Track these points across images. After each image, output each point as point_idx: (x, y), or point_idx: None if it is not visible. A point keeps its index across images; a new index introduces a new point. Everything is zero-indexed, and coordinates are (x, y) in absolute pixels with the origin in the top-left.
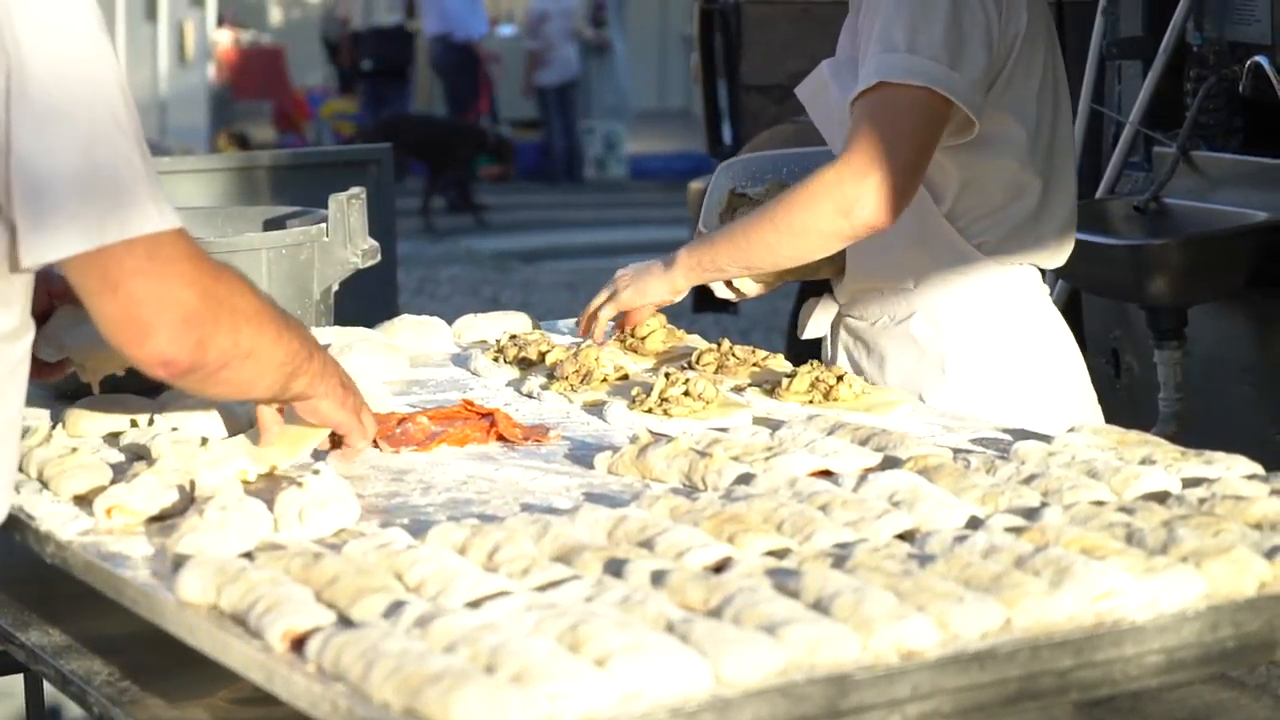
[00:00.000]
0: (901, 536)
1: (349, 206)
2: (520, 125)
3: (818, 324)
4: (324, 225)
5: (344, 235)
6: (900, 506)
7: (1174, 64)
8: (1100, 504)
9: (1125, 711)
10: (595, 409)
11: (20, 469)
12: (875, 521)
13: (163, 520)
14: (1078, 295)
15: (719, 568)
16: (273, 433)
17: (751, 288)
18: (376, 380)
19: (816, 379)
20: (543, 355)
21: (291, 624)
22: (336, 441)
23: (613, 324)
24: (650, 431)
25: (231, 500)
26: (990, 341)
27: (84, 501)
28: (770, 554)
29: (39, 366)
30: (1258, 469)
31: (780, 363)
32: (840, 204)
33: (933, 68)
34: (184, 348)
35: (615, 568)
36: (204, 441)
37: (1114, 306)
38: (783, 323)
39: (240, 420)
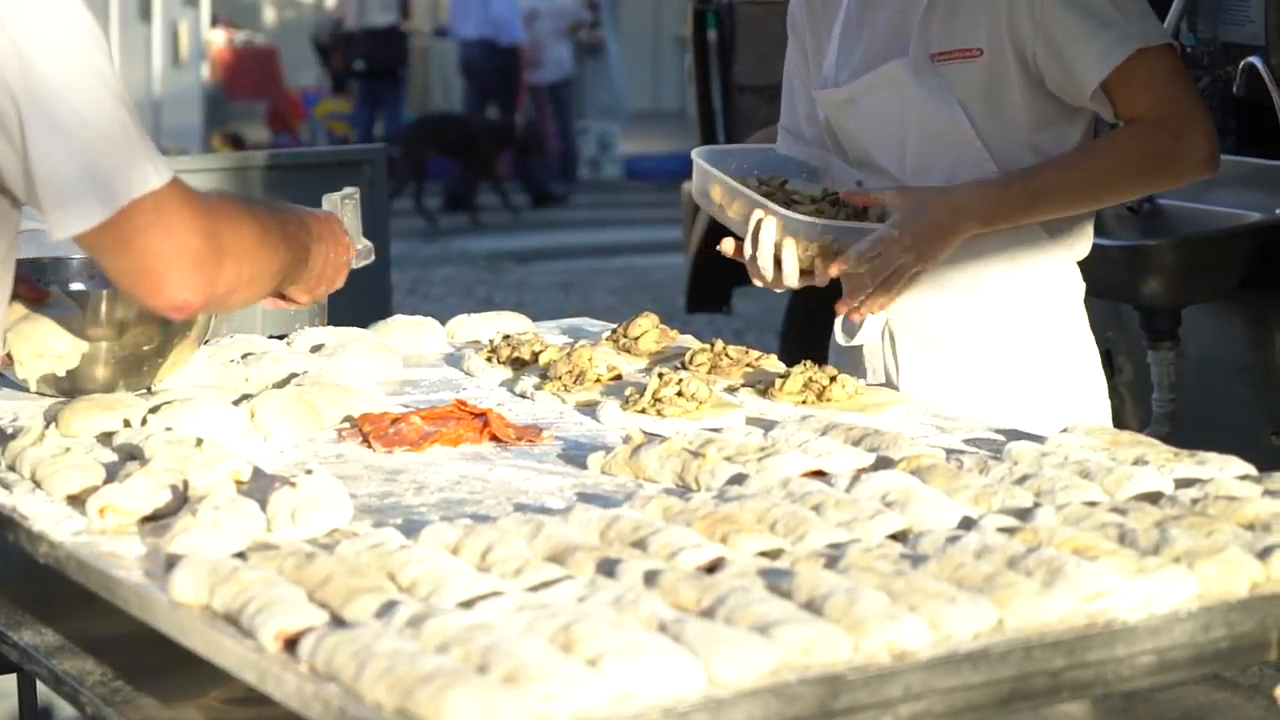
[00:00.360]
0: (894, 537)
1: (342, 207)
2: None
3: (870, 329)
4: None
5: None
6: (893, 507)
7: None
8: (1093, 504)
9: (1118, 712)
10: (588, 409)
11: (13, 469)
12: (868, 522)
13: (156, 520)
14: None
15: (712, 568)
16: None
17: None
18: (370, 380)
19: (810, 379)
20: (536, 355)
21: (284, 624)
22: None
23: (612, 326)
24: (643, 432)
25: (224, 500)
26: (1058, 335)
27: (77, 501)
28: (763, 554)
29: None
30: (1250, 470)
31: (773, 363)
32: (1188, 157)
33: (1158, 27)
34: (196, 290)
35: (608, 568)
36: (198, 442)
37: (1108, 307)
38: (776, 323)
39: None
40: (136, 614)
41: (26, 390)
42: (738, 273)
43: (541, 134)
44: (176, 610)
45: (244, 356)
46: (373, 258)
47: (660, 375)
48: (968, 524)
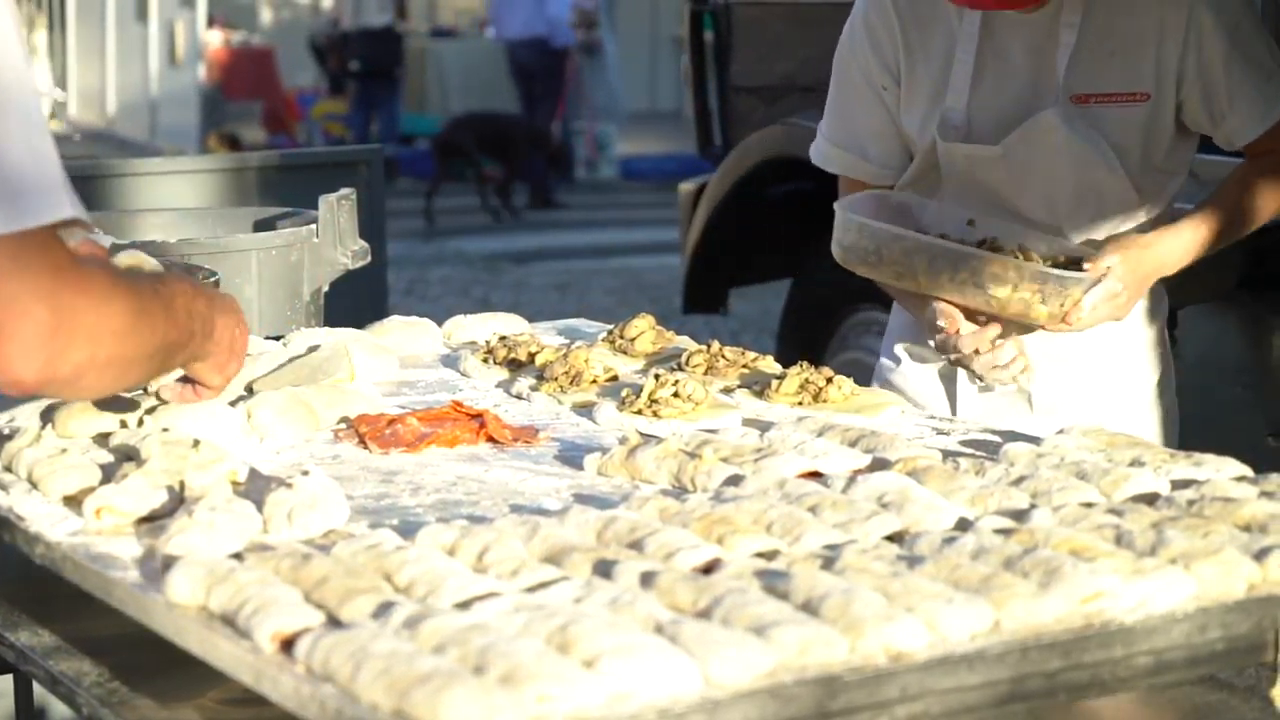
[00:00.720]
0: (890, 538)
1: (339, 207)
2: None
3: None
4: (314, 226)
5: (334, 236)
6: (889, 508)
7: None
8: (1089, 506)
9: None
10: (585, 410)
11: (10, 469)
12: (864, 523)
13: (152, 521)
14: None
15: (708, 569)
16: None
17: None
18: (367, 381)
19: (806, 381)
20: (532, 356)
21: (280, 625)
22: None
23: (609, 328)
24: (640, 433)
25: (221, 501)
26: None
27: (73, 502)
28: (759, 555)
29: None
30: (1247, 471)
31: (770, 364)
32: None
33: None
34: (30, 368)
35: (604, 569)
36: (195, 443)
37: None
38: (773, 324)
39: None
40: (133, 615)
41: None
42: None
43: (567, 148)
44: (173, 611)
45: None
46: (369, 258)
47: (657, 376)
48: (964, 525)
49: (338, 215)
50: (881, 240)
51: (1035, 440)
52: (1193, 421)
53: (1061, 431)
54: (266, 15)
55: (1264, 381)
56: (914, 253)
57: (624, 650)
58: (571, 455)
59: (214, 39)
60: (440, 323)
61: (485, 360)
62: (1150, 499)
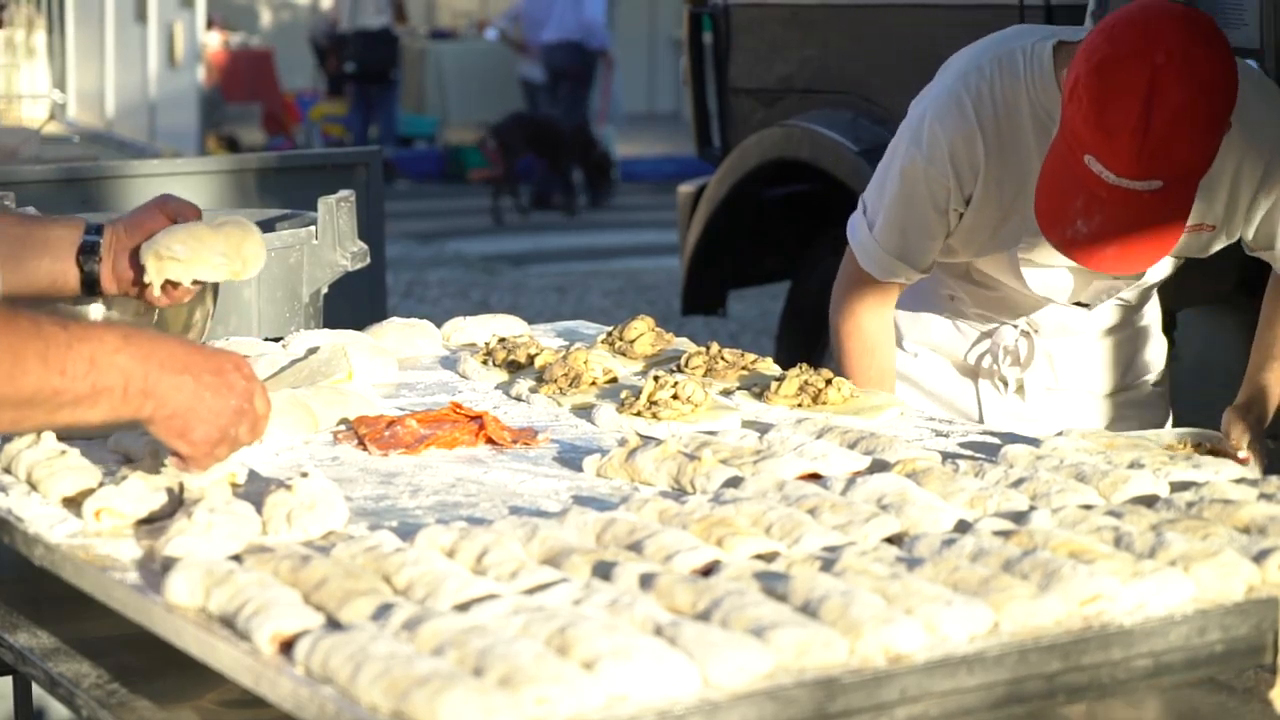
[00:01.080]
0: (889, 540)
1: (338, 209)
2: None
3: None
4: (313, 228)
5: (333, 238)
6: (888, 510)
7: None
8: (1088, 508)
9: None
10: (584, 412)
11: (9, 471)
12: (863, 525)
13: (151, 523)
14: None
15: (707, 571)
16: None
17: None
18: (366, 383)
19: (805, 382)
20: (531, 358)
21: (280, 626)
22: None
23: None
24: (639, 434)
25: (220, 503)
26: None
27: (73, 504)
28: (758, 557)
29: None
30: (1246, 473)
31: (769, 366)
32: None
33: None
34: None
35: (603, 570)
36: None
37: None
38: (772, 326)
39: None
40: (132, 616)
41: None
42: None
43: (608, 156)
44: (172, 613)
45: None
46: (368, 260)
47: (656, 378)
48: (963, 527)
49: (337, 217)
50: None
51: (1034, 442)
52: (1191, 423)
53: (1061, 433)
54: (265, 17)
55: None
56: None
57: (623, 652)
58: (570, 457)
59: (213, 41)
60: (439, 324)
61: (484, 362)
62: (1149, 501)
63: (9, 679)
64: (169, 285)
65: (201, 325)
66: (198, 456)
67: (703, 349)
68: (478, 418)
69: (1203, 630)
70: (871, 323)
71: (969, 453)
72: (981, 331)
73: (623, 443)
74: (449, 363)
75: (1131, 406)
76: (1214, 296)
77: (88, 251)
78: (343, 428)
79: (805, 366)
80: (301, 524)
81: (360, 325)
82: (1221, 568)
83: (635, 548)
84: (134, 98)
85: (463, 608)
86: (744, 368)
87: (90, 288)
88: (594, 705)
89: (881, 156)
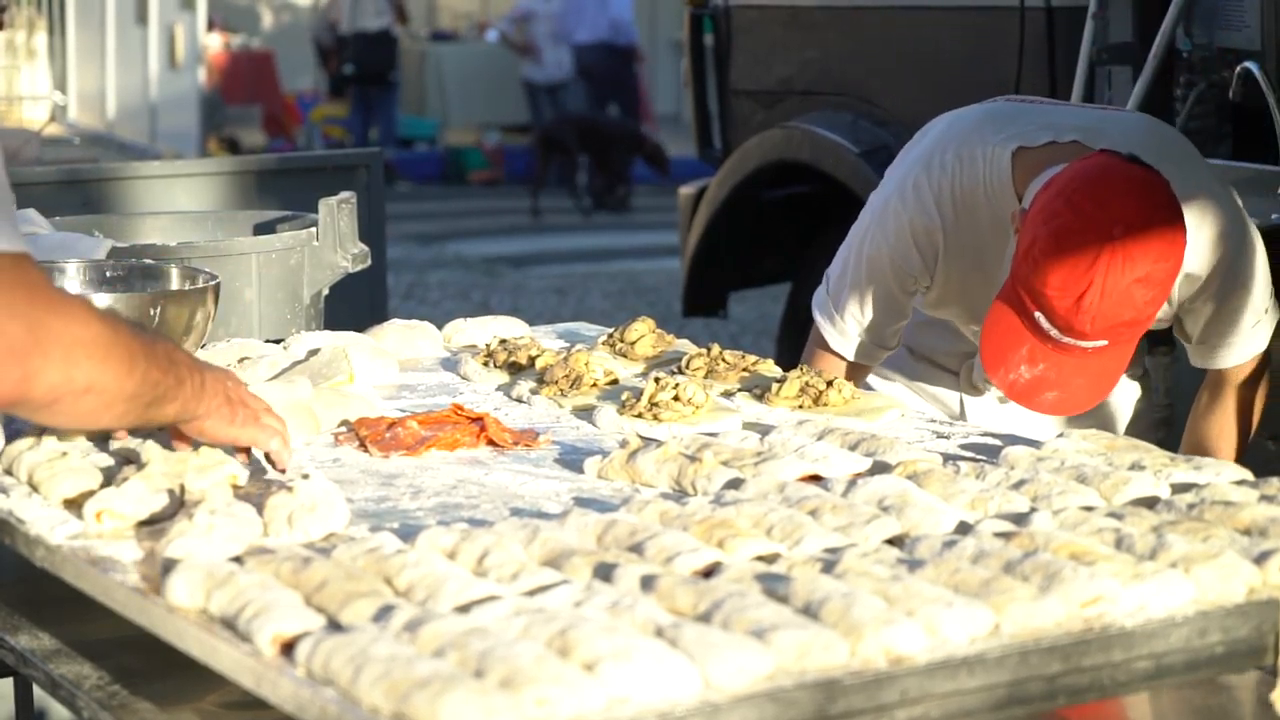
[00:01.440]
0: (890, 541)
1: (339, 211)
2: (510, 130)
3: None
4: (314, 230)
5: (334, 239)
6: (889, 511)
7: (1163, 70)
8: (1089, 509)
9: (1113, 717)
10: (585, 413)
11: (10, 472)
12: (864, 526)
13: (152, 524)
14: None
15: (708, 572)
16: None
17: None
18: (367, 384)
19: (806, 384)
20: (532, 360)
21: (281, 628)
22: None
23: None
24: (640, 436)
25: (221, 505)
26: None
27: (73, 505)
28: (759, 559)
29: None
30: (1246, 475)
31: (770, 368)
32: None
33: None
34: (4, 381)
35: (604, 572)
36: (195, 447)
37: None
38: (773, 328)
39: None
40: (133, 618)
41: None
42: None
43: (662, 149)
44: (173, 614)
45: (240, 360)
46: (369, 262)
47: (657, 380)
48: (964, 529)
49: (337, 218)
50: None
51: (1035, 444)
52: None
53: (1061, 435)
54: (266, 19)
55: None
56: None
57: (623, 654)
58: (571, 458)
59: (213, 42)
60: (440, 326)
61: (485, 363)
62: (1150, 503)
63: (10, 680)
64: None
65: (203, 327)
66: (256, 435)
67: (704, 351)
68: (479, 419)
69: (1203, 632)
70: None
71: (970, 454)
72: (964, 351)
73: (624, 444)
74: (450, 364)
75: (1110, 401)
76: None
77: None
78: (344, 429)
79: (806, 368)
80: (302, 526)
81: (361, 327)
82: (1222, 569)
83: (636, 549)
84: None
85: (464, 609)
86: (745, 369)
87: None
88: (595, 707)
89: (882, 158)
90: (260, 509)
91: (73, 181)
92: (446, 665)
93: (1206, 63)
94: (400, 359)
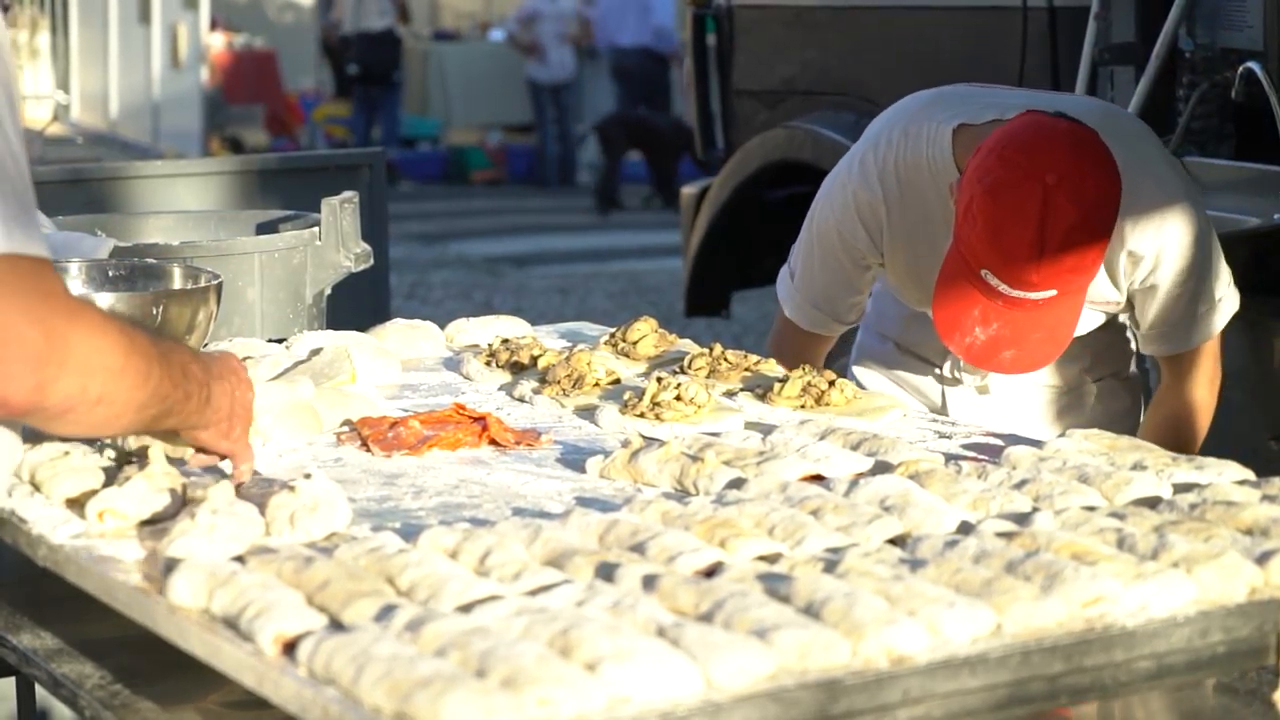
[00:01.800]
0: (892, 541)
1: (341, 210)
2: (513, 130)
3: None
4: (316, 229)
5: (336, 239)
6: (891, 511)
7: (1166, 70)
8: (1091, 509)
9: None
10: (587, 413)
11: (12, 472)
12: (866, 526)
13: (154, 524)
14: None
15: (710, 572)
16: None
17: None
18: (369, 384)
19: (808, 384)
20: (535, 359)
21: (283, 628)
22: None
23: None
24: (642, 436)
25: (223, 504)
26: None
27: (76, 505)
28: (761, 559)
29: None
30: (1248, 474)
31: (772, 367)
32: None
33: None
34: (20, 390)
35: (606, 572)
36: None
37: None
38: None
39: None
40: (135, 617)
41: None
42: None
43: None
44: (175, 614)
45: (243, 360)
46: (371, 261)
47: (659, 380)
48: (966, 529)
49: (340, 218)
50: None
51: (1037, 444)
52: None
53: (1063, 435)
54: (269, 18)
55: (1265, 385)
56: None
57: (625, 654)
58: (573, 458)
59: (216, 42)
60: (442, 326)
61: (487, 363)
62: (1152, 503)
63: (12, 680)
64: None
65: (205, 327)
66: (240, 453)
67: (706, 350)
68: (481, 419)
69: (1205, 632)
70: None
71: (972, 454)
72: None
73: (626, 444)
74: (452, 364)
75: (1098, 398)
76: None
77: None
78: (346, 429)
79: (808, 368)
80: (304, 525)
81: (363, 326)
82: (1224, 569)
83: (638, 549)
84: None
85: (465, 609)
86: (747, 369)
87: None
88: (596, 707)
89: None
90: (262, 509)
91: (75, 181)
92: (448, 665)
93: (1209, 63)
94: (402, 359)
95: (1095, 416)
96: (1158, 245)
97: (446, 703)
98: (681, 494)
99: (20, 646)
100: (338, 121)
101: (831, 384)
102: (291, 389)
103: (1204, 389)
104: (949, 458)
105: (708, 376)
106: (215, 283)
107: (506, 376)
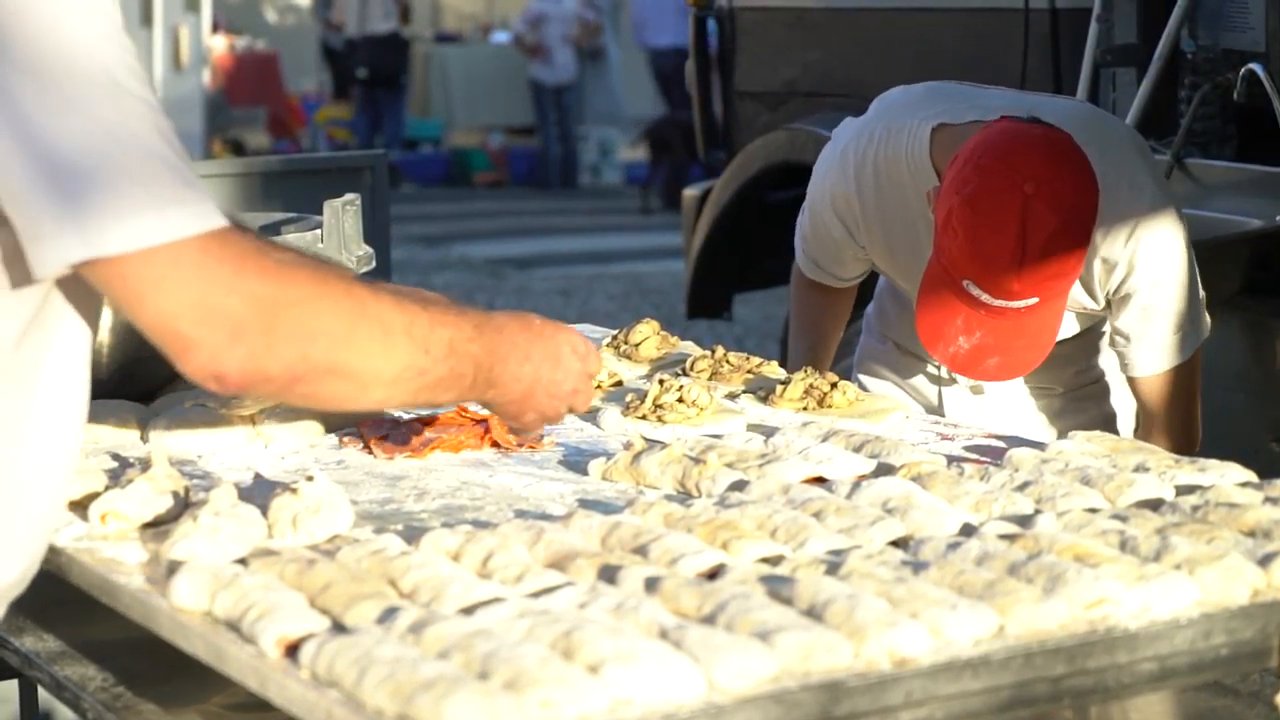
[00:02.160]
0: (895, 543)
1: (343, 213)
2: (514, 132)
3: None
4: (319, 232)
5: (339, 241)
6: (893, 513)
7: (1168, 72)
8: (1094, 511)
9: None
10: (589, 415)
11: None
12: (868, 528)
13: (157, 526)
14: None
15: (712, 574)
16: None
17: None
18: None
19: (811, 386)
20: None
21: (285, 630)
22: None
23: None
24: (644, 438)
25: (225, 506)
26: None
27: (79, 507)
28: (763, 561)
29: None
30: (1251, 476)
31: (774, 369)
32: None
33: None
34: (231, 363)
35: (609, 574)
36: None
37: None
38: (777, 329)
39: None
40: (138, 620)
41: None
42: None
43: None
44: (178, 616)
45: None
46: (373, 264)
47: (661, 382)
48: (968, 530)
49: (342, 220)
50: None
51: (1040, 446)
52: None
53: (1066, 437)
54: (271, 20)
55: (1268, 386)
56: None
57: (628, 656)
58: (576, 460)
59: (218, 44)
60: None
61: None
62: (1155, 505)
63: (15, 683)
64: None
65: None
66: (532, 429)
67: (708, 352)
68: (483, 421)
69: (1208, 634)
70: (810, 302)
71: (974, 456)
72: None
73: (628, 446)
74: None
75: (1092, 400)
76: (1218, 299)
77: None
78: (348, 431)
79: (810, 370)
80: (307, 527)
81: None
82: (1227, 571)
83: (640, 551)
84: None
85: (468, 611)
86: (749, 371)
87: None
88: (599, 709)
89: None
90: (265, 511)
91: None
92: (451, 667)
93: (1211, 64)
94: None
95: (1093, 417)
96: (1131, 251)
97: (449, 705)
98: (684, 496)
99: (23, 649)
100: (339, 124)
101: (834, 386)
102: None
103: (1174, 427)
104: (951, 460)
105: (710, 378)
106: None
107: None
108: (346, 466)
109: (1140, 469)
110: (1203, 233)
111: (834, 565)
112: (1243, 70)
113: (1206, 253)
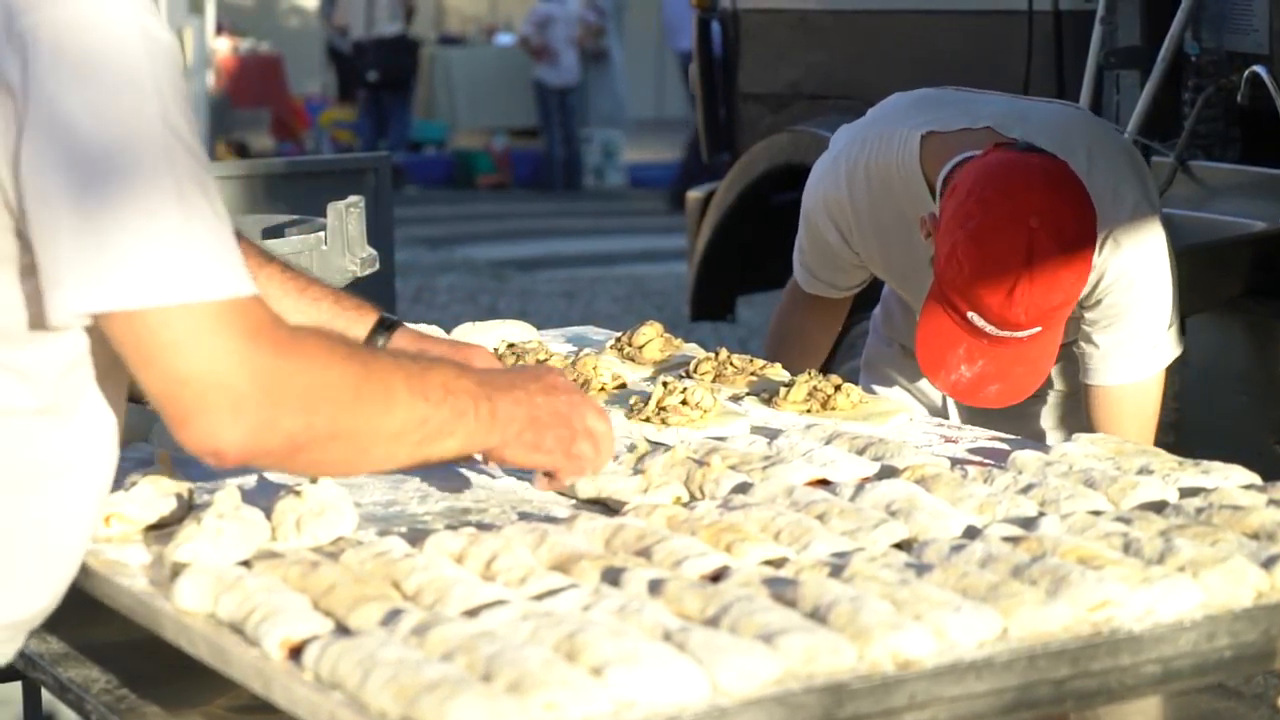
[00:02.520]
0: (898, 546)
1: (347, 215)
2: (518, 134)
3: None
4: (322, 234)
5: (342, 243)
6: (897, 516)
7: (1171, 74)
8: (1097, 514)
9: None
10: None
11: None
12: (872, 531)
13: (161, 529)
14: None
15: (716, 577)
16: None
17: None
18: None
19: (814, 388)
20: (540, 364)
21: (289, 632)
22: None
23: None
24: (648, 440)
25: (229, 509)
26: None
27: None
28: (767, 563)
29: None
30: (1255, 479)
31: (778, 372)
32: None
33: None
34: (230, 439)
35: (612, 577)
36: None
37: None
38: None
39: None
40: (141, 622)
41: None
42: (741, 281)
43: None
44: (181, 618)
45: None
46: (377, 266)
47: (665, 384)
48: (972, 533)
49: (346, 222)
50: None
51: (1043, 448)
52: (1200, 429)
53: (1070, 439)
54: (275, 22)
55: (1271, 389)
56: None
57: (631, 658)
58: None
59: (222, 46)
60: (448, 330)
61: None
62: (1158, 507)
63: (18, 684)
64: None
65: None
66: (561, 463)
67: (712, 354)
68: None
69: (1211, 636)
70: (791, 317)
71: (978, 459)
72: None
73: (632, 448)
74: None
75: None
76: (1222, 301)
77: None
78: None
79: (814, 372)
80: (310, 530)
81: None
82: (1230, 574)
83: (644, 553)
84: None
85: (471, 613)
86: (753, 373)
87: None
88: (602, 711)
89: None
90: (268, 513)
91: None
92: (454, 669)
93: (1215, 66)
94: None
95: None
96: (1106, 259)
97: (453, 707)
98: (687, 498)
99: (26, 651)
100: (343, 125)
101: (837, 388)
102: None
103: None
104: (955, 462)
105: (713, 381)
106: None
107: None
108: None
109: (1144, 471)
110: (1206, 235)
111: (838, 568)
112: (1246, 72)
113: (1209, 255)
